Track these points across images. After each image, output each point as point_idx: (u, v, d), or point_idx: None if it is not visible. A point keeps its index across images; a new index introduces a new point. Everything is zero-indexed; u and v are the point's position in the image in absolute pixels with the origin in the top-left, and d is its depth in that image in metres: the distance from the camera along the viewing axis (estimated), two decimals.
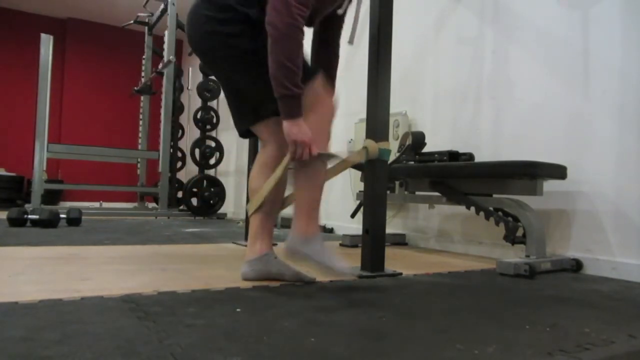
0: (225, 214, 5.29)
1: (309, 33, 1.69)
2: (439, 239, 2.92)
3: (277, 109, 1.46)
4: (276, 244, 1.84)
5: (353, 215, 2.96)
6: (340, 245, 2.83)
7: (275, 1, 1.40)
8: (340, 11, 1.70)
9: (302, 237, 1.52)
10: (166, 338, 0.95)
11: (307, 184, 1.55)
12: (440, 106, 2.99)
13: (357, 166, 2.83)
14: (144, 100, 6.32)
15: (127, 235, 2.97)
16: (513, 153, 2.49)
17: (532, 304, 1.42)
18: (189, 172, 6.27)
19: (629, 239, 2.00)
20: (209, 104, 5.28)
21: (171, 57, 4.93)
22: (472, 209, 2.34)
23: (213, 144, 5.24)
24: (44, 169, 4.49)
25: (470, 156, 2.61)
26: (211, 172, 5.34)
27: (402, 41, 3.18)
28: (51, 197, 6.51)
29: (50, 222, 3.22)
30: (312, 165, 1.50)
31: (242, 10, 1.48)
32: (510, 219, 2.19)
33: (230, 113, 1.70)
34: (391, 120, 3.01)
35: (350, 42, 1.82)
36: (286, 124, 1.44)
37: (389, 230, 2.54)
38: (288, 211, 1.75)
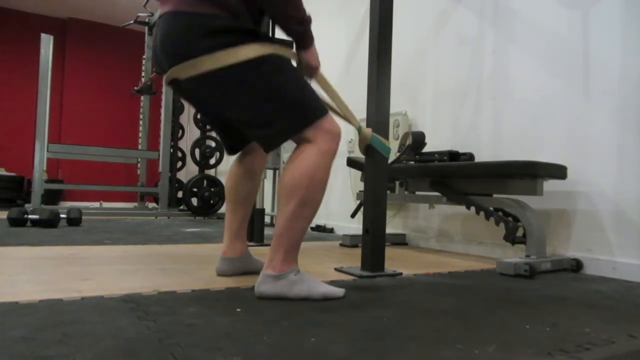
0: (225, 214, 5.29)
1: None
2: (439, 239, 2.92)
3: (327, 110, 1.44)
4: None
5: (353, 215, 2.96)
6: (340, 245, 2.83)
7: None
8: None
9: (274, 274, 1.35)
10: (166, 338, 0.95)
11: (300, 215, 1.37)
12: (440, 106, 2.99)
13: (357, 166, 2.83)
14: (144, 100, 6.33)
15: (127, 235, 2.97)
16: (513, 153, 2.49)
17: (532, 304, 1.42)
18: (189, 172, 6.27)
19: (629, 239, 2.00)
20: None
21: None
22: (472, 209, 2.34)
23: (213, 144, 5.23)
24: (44, 169, 4.49)
25: (470, 156, 2.61)
26: (211, 172, 5.33)
27: (402, 41, 3.18)
28: (51, 197, 6.52)
29: (50, 222, 3.22)
30: (313, 196, 1.38)
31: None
32: (510, 219, 2.19)
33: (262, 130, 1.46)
34: (391, 120, 3.01)
35: None
36: (309, 54, 1.48)
37: (389, 230, 2.54)
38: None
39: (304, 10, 1.42)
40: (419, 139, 2.70)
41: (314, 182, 1.36)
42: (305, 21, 1.44)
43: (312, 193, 1.37)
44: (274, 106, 1.37)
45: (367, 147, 1.78)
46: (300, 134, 1.38)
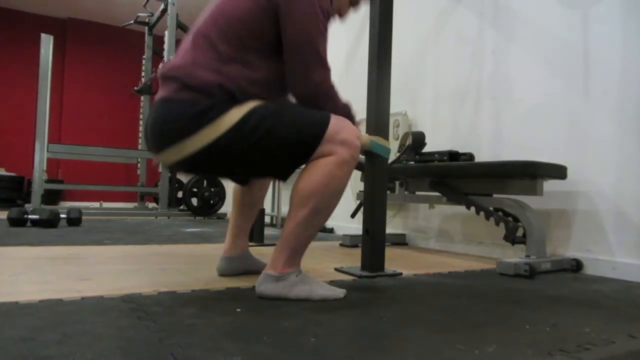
0: (225, 214, 5.30)
1: None
2: (439, 239, 2.92)
3: (327, 118, 1.38)
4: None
5: (353, 215, 2.96)
6: (340, 245, 2.83)
7: (305, 56, 1.34)
8: None
9: (274, 274, 1.34)
10: (166, 338, 0.95)
11: (310, 223, 1.37)
12: (440, 106, 2.99)
13: (357, 166, 2.83)
14: (144, 100, 6.33)
15: (127, 235, 2.97)
16: (513, 153, 2.49)
17: (532, 304, 1.42)
18: None
19: (629, 239, 2.00)
20: None
21: (171, 56, 4.93)
22: (472, 209, 2.34)
23: None
24: (44, 169, 4.49)
25: (470, 156, 2.61)
26: None
27: (402, 41, 3.18)
28: (51, 197, 6.52)
29: (50, 222, 3.22)
30: (326, 206, 1.40)
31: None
32: (510, 219, 2.19)
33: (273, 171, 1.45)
34: (391, 120, 3.01)
35: None
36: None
37: (389, 230, 2.55)
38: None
39: (342, 107, 1.45)
40: (419, 139, 2.70)
41: (329, 191, 1.35)
42: (345, 109, 1.46)
43: (325, 202, 1.37)
44: (272, 152, 1.34)
45: (367, 152, 1.78)
46: (313, 155, 1.35)
